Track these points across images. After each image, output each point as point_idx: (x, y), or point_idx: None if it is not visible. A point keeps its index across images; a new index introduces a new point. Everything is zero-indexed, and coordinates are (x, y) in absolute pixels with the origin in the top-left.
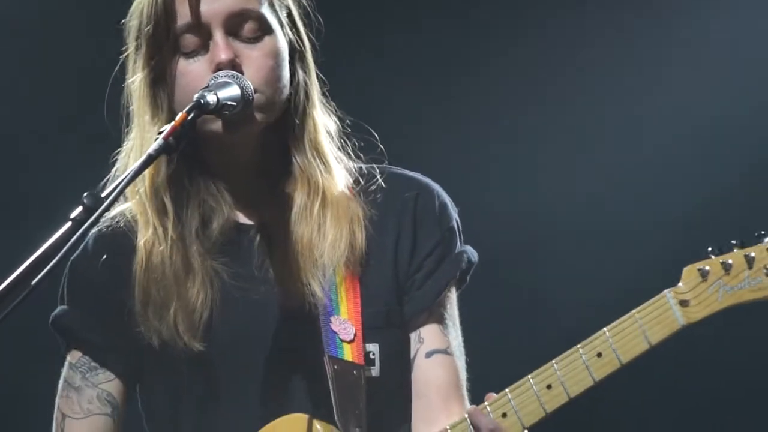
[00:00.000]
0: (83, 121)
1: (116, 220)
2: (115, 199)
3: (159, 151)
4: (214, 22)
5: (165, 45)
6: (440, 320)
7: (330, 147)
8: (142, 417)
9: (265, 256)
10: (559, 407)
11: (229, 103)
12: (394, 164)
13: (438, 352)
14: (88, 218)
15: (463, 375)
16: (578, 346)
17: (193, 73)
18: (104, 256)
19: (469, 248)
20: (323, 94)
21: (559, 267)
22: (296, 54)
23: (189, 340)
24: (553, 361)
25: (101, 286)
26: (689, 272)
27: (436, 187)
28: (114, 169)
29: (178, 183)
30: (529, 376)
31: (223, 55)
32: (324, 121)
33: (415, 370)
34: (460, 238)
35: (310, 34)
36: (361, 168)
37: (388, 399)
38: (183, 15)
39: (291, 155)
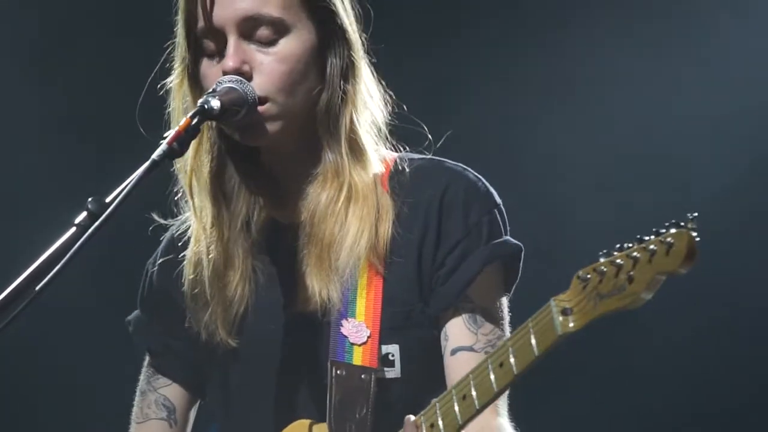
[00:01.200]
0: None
1: (185, 222)
2: (120, 205)
3: (162, 157)
4: (227, 27)
5: (191, 47)
6: (468, 316)
7: (368, 139)
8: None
9: (292, 257)
10: (470, 418)
11: (232, 108)
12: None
13: (462, 349)
14: (92, 224)
15: None
16: (489, 354)
17: (211, 75)
18: (166, 259)
19: (508, 240)
20: (374, 82)
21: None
22: (332, 47)
23: (224, 335)
24: (470, 373)
25: (165, 290)
26: (575, 280)
27: (470, 177)
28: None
29: (223, 179)
30: (453, 386)
31: (230, 63)
32: (365, 112)
33: (445, 368)
34: (495, 230)
35: (356, 23)
36: (399, 160)
37: (412, 400)
38: (200, 19)
39: (323, 151)
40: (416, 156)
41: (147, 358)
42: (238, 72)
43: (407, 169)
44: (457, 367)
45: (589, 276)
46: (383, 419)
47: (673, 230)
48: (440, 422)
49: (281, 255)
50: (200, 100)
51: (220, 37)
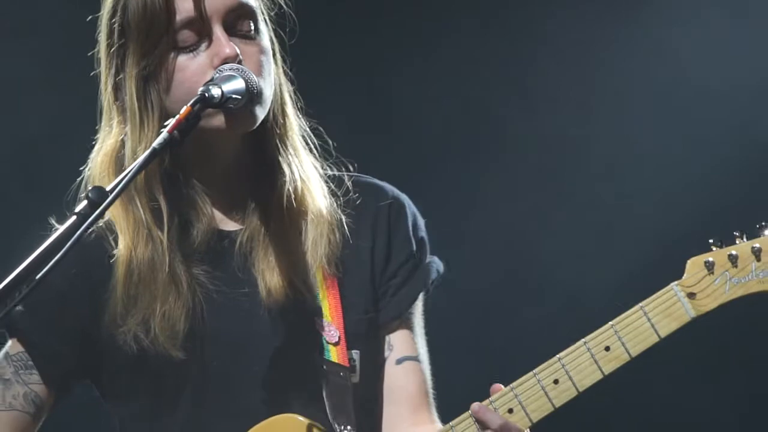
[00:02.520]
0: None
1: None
2: (121, 193)
3: (163, 145)
4: (214, 17)
5: (162, 40)
6: (410, 328)
7: (304, 148)
8: (115, 426)
9: (247, 259)
10: (567, 402)
11: (234, 96)
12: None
13: (408, 359)
14: (93, 213)
15: (430, 382)
16: (582, 340)
17: (192, 68)
18: (72, 266)
19: (436, 258)
20: (294, 92)
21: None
22: (274, 51)
23: (169, 349)
24: (558, 356)
25: (63, 295)
26: (694, 264)
27: (406, 197)
28: (87, 171)
29: (154, 189)
30: (534, 372)
31: (229, 50)
32: (298, 122)
33: (386, 377)
34: (428, 246)
35: (281, 33)
36: (330, 173)
37: (366, 406)
38: (183, 10)
39: (271, 156)
40: (346, 173)
41: (16, 347)
42: (238, 59)
43: (346, 183)
44: (404, 376)
45: (713, 260)
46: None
47: None
48: (524, 407)
49: (230, 259)
50: (200, 89)
51: (202, 29)
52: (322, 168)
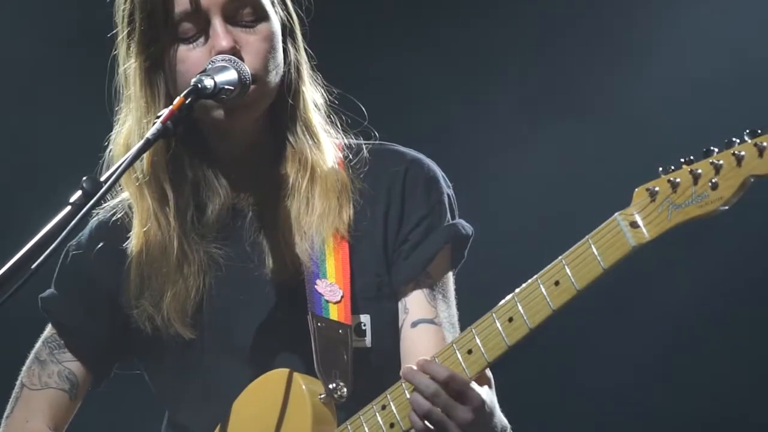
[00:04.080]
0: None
1: (115, 210)
2: (114, 183)
3: (157, 135)
4: (212, 9)
5: (162, 32)
6: (428, 291)
7: (319, 121)
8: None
9: (257, 234)
10: (520, 339)
11: (226, 87)
12: (384, 139)
13: (424, 321)
14: (87, 203)
15: None
16: (536, 276)
17: (191, 59)
18: (99, 245)
19: (461, 222)
20: (312, 68)
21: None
22: (287, 32)
23: (181, 328)
24: (515, 292)
25: (90, 274)
26: (639, 193)
27: (427, 161)
28: (108, 153)
29: (177, 170)
30: (492, 311)
31: (224, 43)
32: (313, 96)
33: (402, 341)
34: (451, 211)
35: (298, 10)
36: (350, 143)
37: (380, 369)
38: (181, 2)
39: (283, 133)
40: (368, 142)
41: (50, 330)
42: (232, 51)
43: (364, 150)
44: (418, 339)
45: (657, 188)
46: (358, 382)
47: (748, 139)
48: (481, 346)
49: (242, 234)
50: (193, 80)
51: (201, 20)
52: (346, 137)
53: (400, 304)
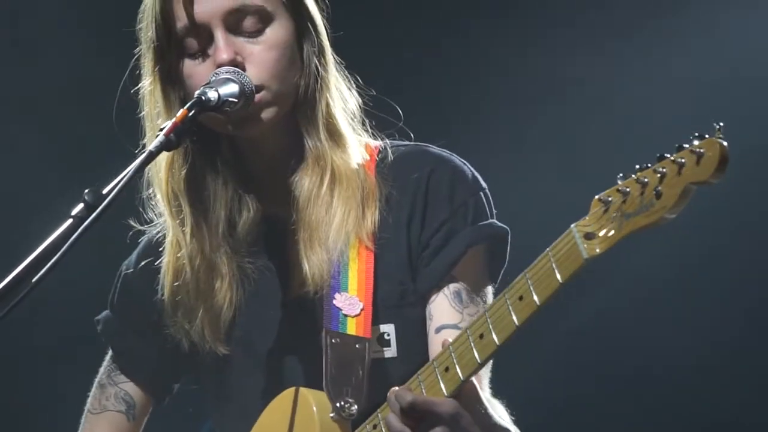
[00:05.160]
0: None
1: (163, 226)
2: (116, 197)
3: (159, 148)
4: (212, 22)
5: (168, 49)
6: (453, 296)
7: (345, 125)
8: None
9: (286, 246)
10: (490, 356)
11: (229, 99)
12: (419, 140)
13: (447, 327)
14: (89, 215)
15: None
16: (504, 291)
17: (197, 74)
18: (145, 263)
19: (492, 223)
20: (340, 69)
21: None
22: (306, 35)
23: (214, 344)
24: (485, 310)
25: (139, 292)
26: (595, 204)
27: (455, 161)
28: (148, 169)
29: (199, 184)
30: (465, 327)
31: (224, 56)
32: (340, 98)
33: (429, 347)
34: (480, 213)
35: (322, 12)
36: (380, 145)
37: (406, 379)
38: (182, 18)
39: (303, 138)
40: (401, 143)
41: (110, 353)
42: (233, 63)
43: (392, 155)
44: (440, 344)
45: (611, 198)
46: (379, 394)
47: (696, 142)
48: (456, 366)
49: (272, 246)
50: (197, 92)
51: (204, 34)
52: (381, 139)
53: (427, 311)
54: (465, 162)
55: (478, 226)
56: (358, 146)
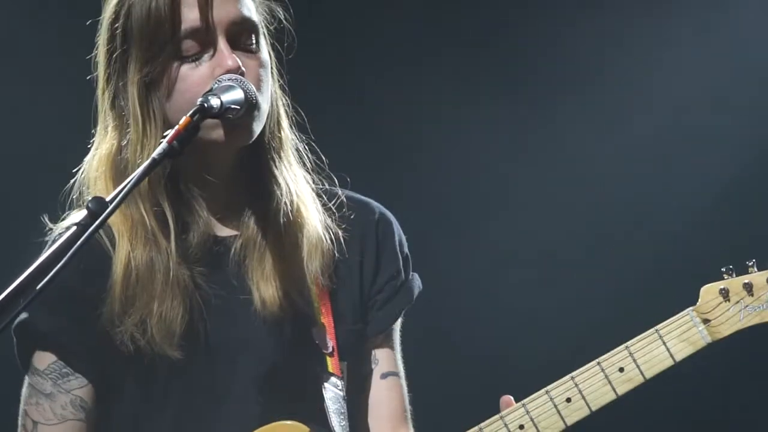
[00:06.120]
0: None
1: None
2: (120, 203)
3: (163, 155)
4: (219, 28)
5: (164, 49)
6: (393, 343)
7: (297, 162)
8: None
9: (241, 267)
10: (579, 420)
11: (233, 106)
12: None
13: (392, 374)
14: (93, 223)
15: (407, 399)
16: (596, 361)
17: (193, 78)
18: (81, 263)
19: (417, 276)
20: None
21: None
22: (272, 65)
23: (166, 349)
24: (570, 375)
25: (76, 291)
26: (708, 292)
27: (391, 214)
28: (81, 175)
29: (157, 194)
30: (546, 389)
31: (230, 62)
32: (292, 136)
33: (371, 391)
34: (411, 265)
35: (279, 48)
36: (322, 187)
37: (352, 418)
38: (188, 19)
39: (267, 168)
40: (332, 187)
41: (43, 360)
42: (238, 70)
43: (340, 196)
44: (387, 391)
45: (729, 288)
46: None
47: None
48: (536, 424)
49: (226, 264)
50: (199, 99)
51: (206, 39)
52: (314, 182)
53: (371, 354)
54: None
55: (415, 278)
56: (306, 184)
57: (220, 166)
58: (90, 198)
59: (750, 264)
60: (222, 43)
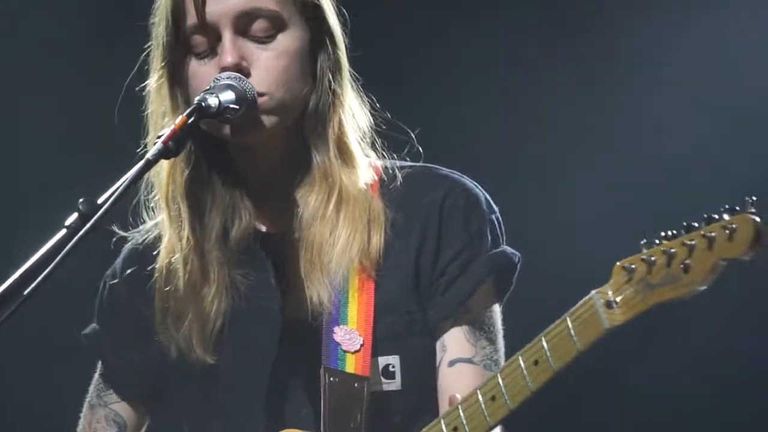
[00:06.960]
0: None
1: (149, 232)
2: (112, 206)
3: (158, 156)
4: (222, 22)
5: (176, 45)
6: (467, 328)
7: (355, 144)
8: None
9: (280, 265)
10: (501, 419)
11: (230, 106)
12: (432, 162)
13: (461, 360)
14: (84, 226)
15: None
16: (519, 353)
17: (201, 74)
18: (130, 271)
19: (505, 250)
20: (355, 87)
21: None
22: (322, 48)
23: (201, 352)
24: (498, 372)
25: (125, 303)
26: (617, 271)
27: (468, 185)
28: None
29: (199, 188)
30: (477, 388)
31: (229, 59)
32: (352, 116)
33: (439, 380)
34: (494, 239)
35: (342, 26)
36: (389, 167)
37: (413, 412)
38: (191, 15)
39: (312, 155)
40: (406, 163)
41: (98, 371)
42: (237, 68)
43: (399, 177)
44: (456, 378)
45: (634, 266)
46: (381, 429)
47: (727, 216)
48: (465, 425)
49: (266, 264)
50: (197, 98)
51: (212, 34)
52: (385, 159)
53: (438, 342)
54: (477, 184)
55: (493, 254)
56: (367, 167)
57: (266, 159)
58: (81, 200)
59: (664, 235)
60: (227, 37)
